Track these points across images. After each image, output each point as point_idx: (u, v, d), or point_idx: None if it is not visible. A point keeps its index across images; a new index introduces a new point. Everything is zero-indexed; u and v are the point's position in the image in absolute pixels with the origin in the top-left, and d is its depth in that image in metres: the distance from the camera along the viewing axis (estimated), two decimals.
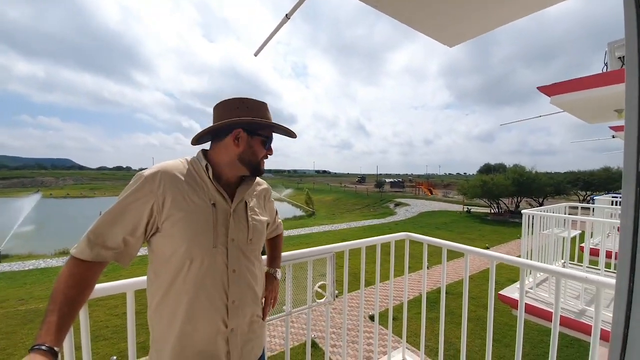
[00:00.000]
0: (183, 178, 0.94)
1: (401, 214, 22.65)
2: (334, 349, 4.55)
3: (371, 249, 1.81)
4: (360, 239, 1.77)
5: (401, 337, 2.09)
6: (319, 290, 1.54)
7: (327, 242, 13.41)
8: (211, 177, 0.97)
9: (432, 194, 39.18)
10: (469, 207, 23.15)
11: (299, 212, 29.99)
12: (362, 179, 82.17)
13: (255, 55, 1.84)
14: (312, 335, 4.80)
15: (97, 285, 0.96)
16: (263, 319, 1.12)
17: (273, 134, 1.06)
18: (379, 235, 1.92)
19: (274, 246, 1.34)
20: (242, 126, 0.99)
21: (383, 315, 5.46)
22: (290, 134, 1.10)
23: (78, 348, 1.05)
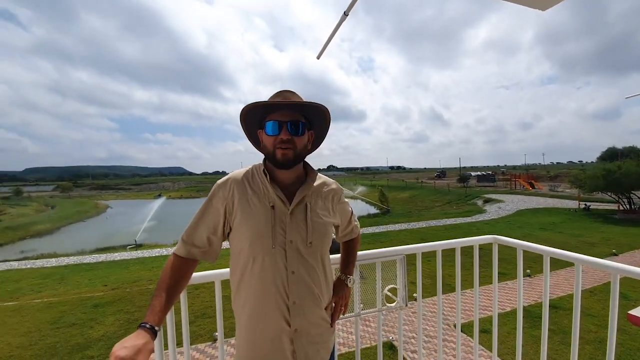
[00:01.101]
0: (248, 183, 1.03)
1: (492, 212, 20.01)
2: (412, 354, 4.33)
3: (449, 252, 1.64)
4: (438, 241, 1.61)
5: (491, 351, 1.83)
6: (389, 294, 1.47)
7: (404, 241, 12.86)
8: (268, 180, 1.01)
9: (533, 187, 33.34)
10: (587, 204, 18.96)
11: (373, 210, 29.54)
12: (441, 173, 75.79)
13: (318, 58, 1.87)
14: (390, 338, 4.65)
15: (195, 274, 1.16)
16: (331, 324, 1.10)
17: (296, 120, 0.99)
18: (465, 236, 1.72)
19: (347, 250, 1.30)
20: (260, 126, 1.04)
21: (466, 327, 4.92)
22: (285, 102, 0.98)
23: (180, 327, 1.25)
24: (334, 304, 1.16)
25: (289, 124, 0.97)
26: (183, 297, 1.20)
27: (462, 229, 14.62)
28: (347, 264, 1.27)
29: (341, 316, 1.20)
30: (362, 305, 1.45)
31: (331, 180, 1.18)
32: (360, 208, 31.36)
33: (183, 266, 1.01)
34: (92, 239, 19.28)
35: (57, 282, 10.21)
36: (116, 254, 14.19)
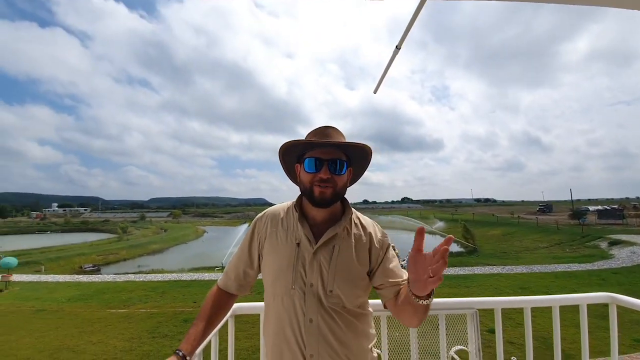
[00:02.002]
0: (282, 218, 1.02)
1: (623, 257, 15.52)
2: None
3: (544, 311, 1.25)
4: (528, 296, 1.25)
5: None
6: (456, 357, 1.17)
7: (498, 288, 10.85)
8: (297, 217, 0.98)
9: None
10: None
11: (455, 248, 26.31)
12: (545, 207, 63.44)
13: (375, 92, 1.82)
14: None
15: (242, 304, 1.21)
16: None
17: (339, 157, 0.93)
18: (584, 289, 1.30)
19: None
20: (298, 160, 1.00)
21: None
22: (330, 142, 0.93)
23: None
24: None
25: (329, 162, 0.92)
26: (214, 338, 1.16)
27: (579, 278, 11.62)
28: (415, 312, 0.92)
29: None
30: None
31: (372, 222, 1.04)
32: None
33: (223, 297, 1.04)
34: (190, 259, 22.21)
35: (159, 295, 11.88)
36: (206, 274, 15.90)
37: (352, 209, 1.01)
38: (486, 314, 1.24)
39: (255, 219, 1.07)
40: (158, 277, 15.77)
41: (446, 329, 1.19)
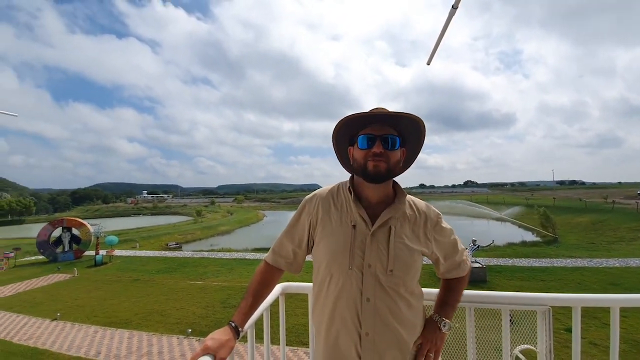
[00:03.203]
0: (333, 200, 1.02)
1: None
2: None
3: (637, 311, 1.02)
4: (636, 294, 1.04)
5: None
6: (521, 356, 1.04)
7: (582, 284, 9.50)
8: (350, 199, 0.98)
9: None
10: None
11: (530, 237, 23.50)
12: None
13: (428, 63, 1.66)
14: None
15: (291, 284, 1.29)
16: None
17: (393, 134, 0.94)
18: None
19: (447, 288, 1.10)
20: (350, 142, 1.01)
21: None
22: (381, 113, 0.94)
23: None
24: (419, 346, 0.98)
25: (381, 137, 0.94)
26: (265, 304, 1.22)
27: None
28: (444, 305, 1.06)
29: None
30: None
31: (425, 203, 1.05)
32: (510, 233, 25.60)
33: (270, 273, 1.08)
34: (253, 240, 24.15)
35: (228, 270, 13.25)
36: (265, 254, 17.15)
37: (405, 191, 1.02)
38: (565, 312, 1.06)
39: (304, 200, 1.08)
40: (226, 255, 17.52)
41: (512, 324, 1.06)
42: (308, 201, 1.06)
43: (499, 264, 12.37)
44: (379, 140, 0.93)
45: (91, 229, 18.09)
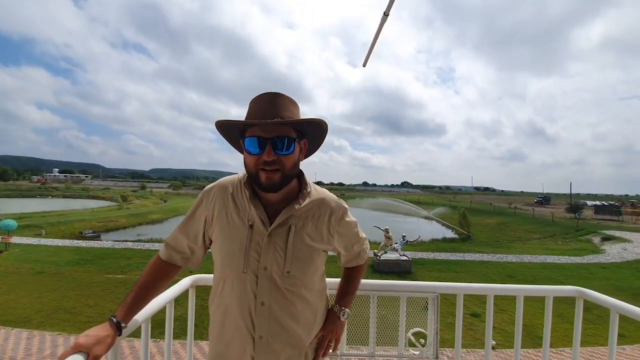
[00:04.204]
0: (232, 195, 0.92)
1: (614, 253, 15.73)
2: None
3: (509, 301, 1.25)
4: (494, 284, 1.25)
5: None
6: (412, 338, 1.19)
7: (486, 275, 11.11)
8: (248, 195, 0.89)
9: None
10: None
11: (450, 234, 26.67)
12: (543, 199, 63.60)
13: (364, 65, 1.74)
14: None
15: (203, 275, 1.21)
16: None
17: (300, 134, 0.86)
18: (569, 281, 1.30)
19: (347, 278, 1.11)
20: (241, 135, 0.87)
21: None
22: (269, 123, 0.80)
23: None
24: (321, 337, 0.99)
25: (272, 141, 0.81)
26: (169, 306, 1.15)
27: (567, 271, 11.85)
28: (345, 294, 1.08)
29: (342, 353, 1.00)
30: (375, 345, 1.19)
31: (332, 196, 0.98)
32: (434, 230, 28.74)
33: (163, 268, 0.98)
34: None
35: None
36: None
37: (309, 182, 0.95)
38: (472, 299, 1.24)
39: (202, 193, 0.97)
40: (156, 245, 16.08)
41: (407, 310, 1.20)
42: (206, 194, 0.95)
43: (423, 257, 13.77)
44: (269, 145, 0.80)
45: None
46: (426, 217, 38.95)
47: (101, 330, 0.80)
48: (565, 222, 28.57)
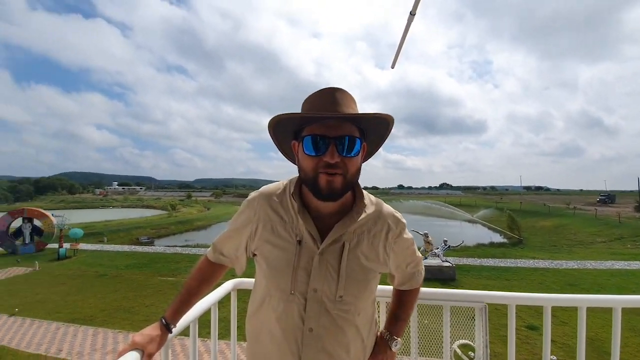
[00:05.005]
0: (277, 206, 0.83)
1: None
2: None
3: (572, 313, 1.12)
4: (578, 294, 1.13)
5: None
6: (459, 351, 1.11)
7: (543, 283, 10.11)
8: (296, 208, 0.78)
9: None
10: None
11: (498, 238, 24.74)
12: (607, 197, 56.30)
13: (392, 67, 1.71)
14: None
15: (244, 280, 1.22)
16: None
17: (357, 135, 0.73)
18: (631, 288, 1.15)
19: (399, 303, 0.99)
20: (295, 136, 0.78)
21: None
22: (336, 116, 0.70)
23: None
24: None
25: (337, 141, 0.70)
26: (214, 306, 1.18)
27: (638, 278, 10.34)
28: (396, 320, 0.97)
29: None
30: (417, 357, 1.13)
31: (389, 209, 0.87)
32: (480, 234, 26.85)
33: (210, 270, 0.98)
34: None
35: None
36: None
37: (364, 192, 0.83)
38: (528, 310, 1.14)
39: (245, 203, 0.89)
40: (201, 250, 17.08)
41: (451, 320, 1.13)
42: (249, 204, 0.87)
43: (468, 263, 12.93)
44: (333, 145, 0.70)
45: (54, 220, 17.03)
46: (470, 220, 36.61)
47: (154, 329, 0.86)
48: (634, 222, 25.01)
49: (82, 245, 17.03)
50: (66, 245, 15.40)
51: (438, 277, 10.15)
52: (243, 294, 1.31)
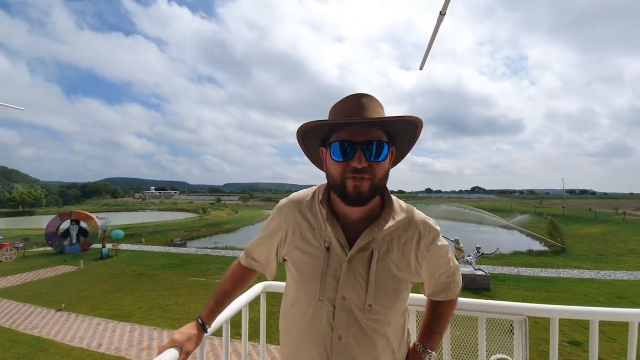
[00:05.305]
0: (306, 213, 0.84)
1: None
2: None
3: (621, 328, 1.02)
4: (629, 308, 1.02)
5: None
6: None
7: (588, 295, 9.30)
8: (324, 214, 0.79)
9: None
10: None
11: (537, 246, 23.09)
12: None
13: (421, 68, 1.67)
14: None
15: (272, 283, 1.24)
16: None
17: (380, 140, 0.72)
18: None
19: (432, 315, 0.94)
20: (323, 143, 0.78)
21: None
22: (363, 120, 0.71)
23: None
24: None
25: (364, 146, 0.70)
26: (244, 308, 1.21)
27: None
28: (430, 333, 0.92)
29: None
30: None
31: (421, 215, 0.84)
32: (516, 241, 25.20)
33: (242, 273, 1.02)
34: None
35: None
36: None
37: (393, 198, 0.82)
38: (571, 324, 1.06)
39: (275, 209, 0.91)
40: (230, 253, 17.63)
41: (486, 333, 1.06)
42: (279, 211, 0.89)
43: (503, 272, 12.20)
44: (360, 150, 0.70)
45: (99, 222, 18.44)
46: (505, 226, 34.53)
47: (191, 328, 0.90)
48: None
49: (123, 246, 18.26)
50: (108, 246, 16.60)
51: (470, 286, 9.64)
52: (270, 297, 1.33)
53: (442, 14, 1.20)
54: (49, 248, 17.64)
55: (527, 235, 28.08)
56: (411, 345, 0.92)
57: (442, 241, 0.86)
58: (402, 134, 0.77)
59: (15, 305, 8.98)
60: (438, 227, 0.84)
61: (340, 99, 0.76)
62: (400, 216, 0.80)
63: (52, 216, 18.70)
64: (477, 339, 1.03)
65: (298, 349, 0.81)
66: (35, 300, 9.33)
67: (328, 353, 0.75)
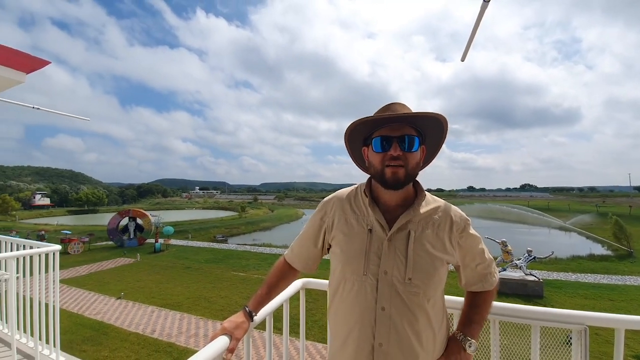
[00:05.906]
0: (350, 203, 0.99)
1: None
2: None
3: None
4: None
5: None
6: None
7: None
8: (367, 202, 0.93)
9: None
10: None
11: (599, 250, 20.64)
12: None
13: (462, 60, 1.58)
14: None
15: (311, 280, 1.34)
16: None
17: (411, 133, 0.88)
18: None
19: (470, 305, 0.99)
20: (365, 143, 0.96)
21: None
22: (394, 116, 0.86)
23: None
24: None
25: (399, 139, 0.87)
26: (286, 302, 1.25)
27: None
28: (470, 322, 0.95)
29: None
30: None
31: (453, 206, 0.95)
32: (575, 244, 22.73)
33: (286, 269, 1.11)
34: (292, 237, 24.91)
35: (268, 265, 13.82)
36: None
37: (425, 191, 0.96)
38: (637, 337, 0.96)
39: (321, 203, 1.06)
40: (267, 250, 18.28)
41: (540, 342, 0.98)
42: (325, 204, 1.05)
43: (559, 278, 11.14)
44: (395, 142, 0.86)
45: (152, 219, 20.22)
46: (561, 228, 31.37)
47: (239, 317, 0.97)
48: None
49: (173, 241, 19.81)
50: (160, 241, 18.12)
51: (520, 292, 8.86)
52: (308, 294, 1.37)
53: (485, 1, 1.13)
54: (110, 242, 19.76)
55: (588, 237, 25.23)
56: (451, 333, 0.97)
57: (473, 231, 0.94)
58: (430, 131, 0.92)
59: (82, 293, 10.21)
60: (469, 218, 0.95)
61: (381, 107, 0.95)
62: (432, 205, 0.94)
63: (113, 214, 20.94)
64: (529, 349, 0.96)
65: (346, 324, 0.89)
66: (98, 289, 10.52)
67: (372, 322, 0.85)
